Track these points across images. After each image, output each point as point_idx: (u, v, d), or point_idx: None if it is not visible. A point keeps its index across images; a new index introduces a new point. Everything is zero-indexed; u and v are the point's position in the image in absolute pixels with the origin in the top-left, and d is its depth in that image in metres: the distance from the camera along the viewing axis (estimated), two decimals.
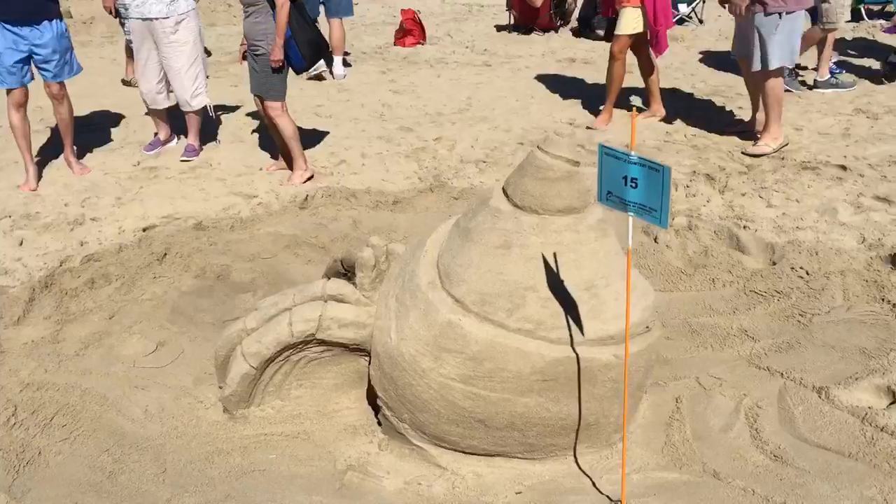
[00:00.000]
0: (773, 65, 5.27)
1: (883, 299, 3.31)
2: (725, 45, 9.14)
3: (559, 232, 2.48)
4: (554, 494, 2.39)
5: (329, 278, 3.36)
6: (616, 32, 6.10)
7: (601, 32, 9.21)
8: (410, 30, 9.59)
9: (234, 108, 6.88)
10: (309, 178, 5.11)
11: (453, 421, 2.50)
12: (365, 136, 6.16)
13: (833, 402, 2.69)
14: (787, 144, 5.49)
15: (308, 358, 2.79)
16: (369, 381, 2.85)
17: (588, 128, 6.18)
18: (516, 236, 2.49)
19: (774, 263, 3.70)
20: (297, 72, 5.17)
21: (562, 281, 2.45)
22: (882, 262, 3.73)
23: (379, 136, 6.13)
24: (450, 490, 2.48)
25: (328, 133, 6.19)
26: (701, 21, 10.32)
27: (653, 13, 5.96)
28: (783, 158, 5.29)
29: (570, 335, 2.42)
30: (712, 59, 8.38)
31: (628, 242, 2.04)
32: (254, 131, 6.24)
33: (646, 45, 6.20)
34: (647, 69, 6.36)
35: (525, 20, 10.19)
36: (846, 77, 6.94)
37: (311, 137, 5.91)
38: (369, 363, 2.82)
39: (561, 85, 7.53)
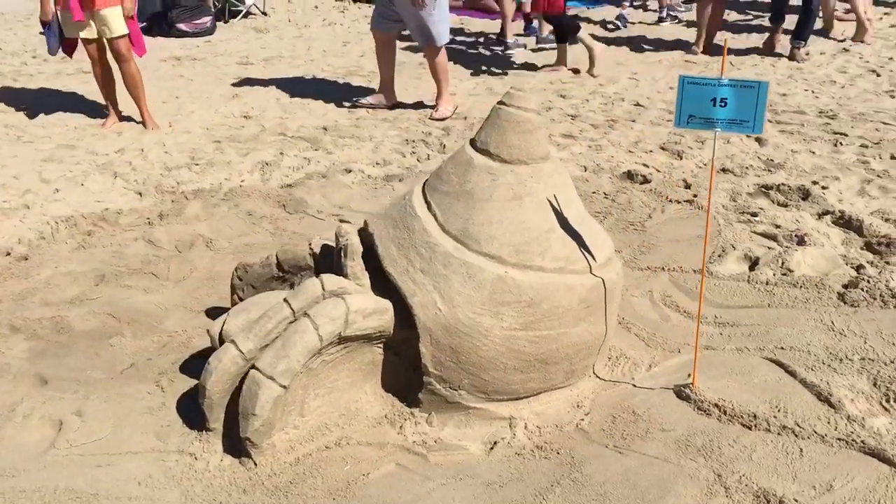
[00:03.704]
0: (442, 41, 5.88)
1: (670, 200, 4.16)
2: (310, 32, 9.61)
3: (551, 176, 2.75)
4: (619, 402, 2.67)
5: (235, 290, 3.10)
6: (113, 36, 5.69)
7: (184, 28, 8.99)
8: None
9: None
10: None
11: (518, 369, 2.61)
12: (21, 161, 5.30)
13: (717, 277, 3.41)
14: (457, 107, 6.20)
15: (324, 362, 2.61)
16: (383, 367, 2.77)
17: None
18: (521, 187, 2.68)
19: None
20: None
21: (566, 219, 2.72)
22: (620, 179, 4.62)
23: (43, 159, 5.34)
24: (529, 432, 2.60)
25: None
26: (265, 13, 10.59)
27: None
28: (466, 118, 5.99)
29: (589, 264, 2.71)
30: (316, 45, 8.79)
31: (713, 155, 2.42)
32: None
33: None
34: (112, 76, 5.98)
35: None
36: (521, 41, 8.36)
37: None
38: (384, 349, 2.74)
39: (189, 82, 7.25)
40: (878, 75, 6.87)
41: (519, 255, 2.60)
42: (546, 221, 2.67)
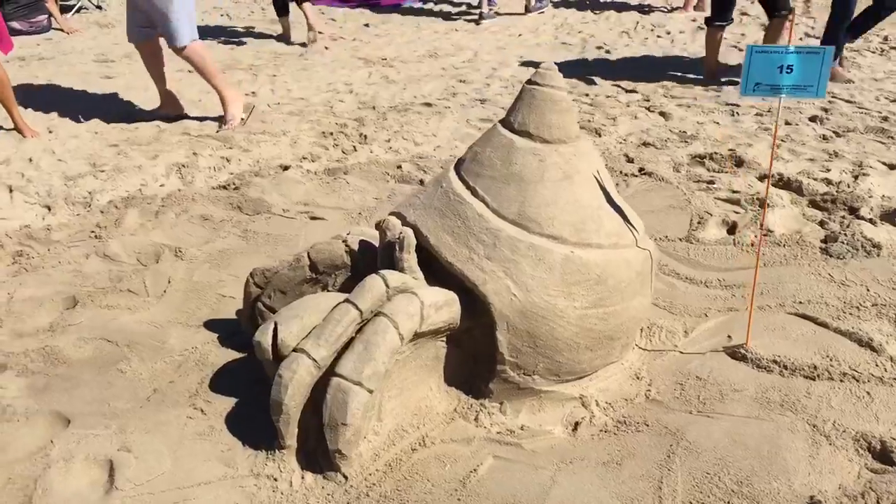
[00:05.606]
0: (184, 40, 5.26)
1: (625, 175, 4.29)
2: None
3: (589, 153, 2.78)
4: (675, 369, 2.74)
5: (257, 298, 2.90)
6: None
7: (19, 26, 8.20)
8: None
9: None
10: None
11: (588, 347, 2.62)
12: None
13: (704, 243, 3.56)
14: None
15: (396, 361, 2.49)
16: (445, 361, 2.68)
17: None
18: (568, 166, 2.69)
19: None
20: None
21: (609, 195, 2.76)
22: None
23: None
24: (602, 409, 2.61)
25: None
26: (99, 6, 9.83)
27: None
28: (374, 107, 5.87)
29: (634, 237, 2.76)
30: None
31: (776, 121, 2.52)
32: None
33: None
34: None
35: None
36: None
37: None
38: (447, 341, 2.65)
39: (49, 84, 6.63)
40: (741, 50, 7.42)
41: (579, 234, 2.60)
42: (595, 198, 2.69)
